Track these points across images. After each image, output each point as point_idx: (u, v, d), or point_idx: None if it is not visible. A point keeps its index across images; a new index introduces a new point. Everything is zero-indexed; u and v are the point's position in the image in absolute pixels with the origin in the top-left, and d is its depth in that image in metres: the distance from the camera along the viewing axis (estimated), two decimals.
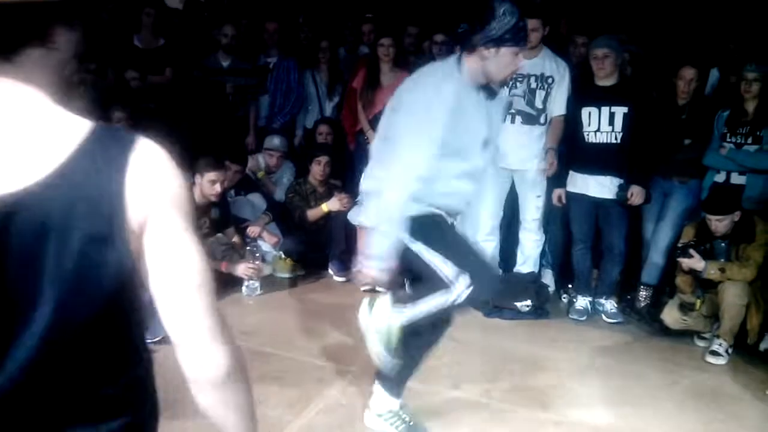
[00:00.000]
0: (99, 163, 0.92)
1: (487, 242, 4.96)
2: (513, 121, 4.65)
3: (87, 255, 0.91)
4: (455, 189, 2.75)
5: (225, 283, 4.62)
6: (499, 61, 2.63)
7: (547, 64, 4.61)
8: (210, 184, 4.64)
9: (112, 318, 0.97)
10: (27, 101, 0.93)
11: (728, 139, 4.38)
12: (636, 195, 4.42)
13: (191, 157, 5.03)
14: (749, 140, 4.32)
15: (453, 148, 2.63)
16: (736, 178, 4.35)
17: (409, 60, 5.74)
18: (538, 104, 4.62)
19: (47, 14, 0.93)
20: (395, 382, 2.96)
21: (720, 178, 4.41)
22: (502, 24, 2.56)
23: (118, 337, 1.00)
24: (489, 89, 2.76)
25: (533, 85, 4.60)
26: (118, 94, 5.39)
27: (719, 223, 4.04)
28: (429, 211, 2.71)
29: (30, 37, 0.92)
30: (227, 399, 1.08)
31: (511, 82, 4.61)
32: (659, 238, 4.60)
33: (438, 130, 2.56)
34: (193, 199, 4.73)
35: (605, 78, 4.47)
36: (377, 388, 3.02)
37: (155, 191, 0.96)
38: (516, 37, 2.60)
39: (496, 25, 2.56)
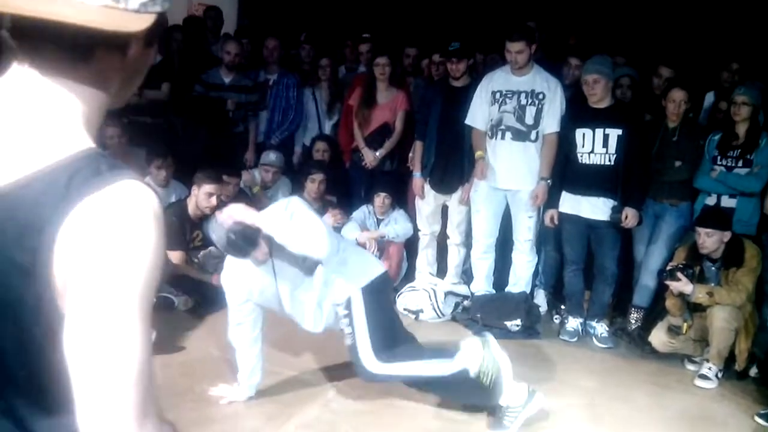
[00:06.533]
0: (54, 190, 0.82)
1: (481, 260, 4.98)
2: (503, 137, 4.67)
3: (5, 278, 0.84)
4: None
5: (215, 296, 4.64)
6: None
7: (537, 80, 4.62)
8: (206, 196, 4.70)
9: (37, 355, 0.87)
10: (48, 105, 0.88)
11: (719, 162, 4.38)
12: (630, 217, 4.41)
13: (189, 169, 5.10)
14: (740, 163, 4.33)
15: None
16: (727, 201, 4.35)
17: (406, 80, 5.80)
18: (529, 120, 4.63)
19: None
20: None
21: (711, 201, 4.41)
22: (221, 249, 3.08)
23: (48, 379, 0.88)
24: None
25: (523, 102, 4.62)
26: (115, 107, 5.45)
27: (708, 238, 4.02)
28: None
29: (112, 43, 0.88)
30: None
31: (500, 99, 4.64)
32: (650, 260, 4.58)
33: None
34: (186, 216, 4.77)
35: (598, 101, 4.49)
36: None
37: (92, 245, 0.81)
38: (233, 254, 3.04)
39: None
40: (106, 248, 0.80)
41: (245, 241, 2.88)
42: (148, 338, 0.84)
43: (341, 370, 3.73)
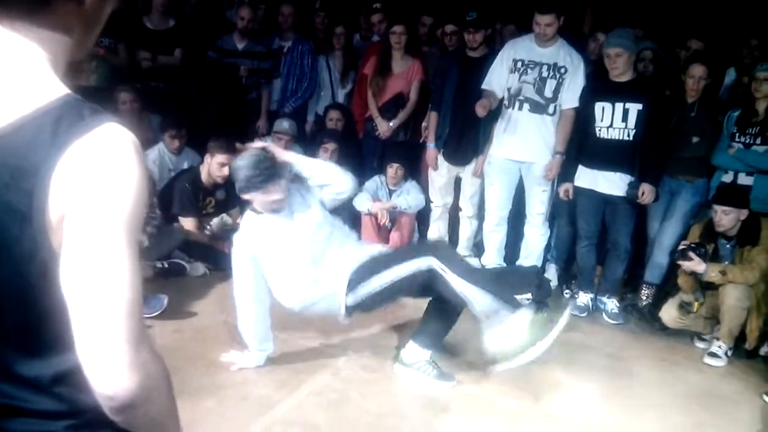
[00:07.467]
0: (43, 135, 0.86)
1: (493, 233, 4.96)
2: (521, 108, 4.62)
3: (2, 222, 0.87)
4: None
5: (227, 263, 4.65)
6: (260, 199, 3.24)
7: (561, 54, 4.56)
8: (219, 166, 4.69)
9: (29, 296, 0.91)
10: (15, 53, 0.91)
11: (737, 139, 4.32)
12: (647, 193, 4.36)
13: (202, 136, 5.09)
14: (758, 140, 4.27)
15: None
16: (744, 179, 4.30)
17: (422, 49, 5.73)
18: (548, 93, 4.57)
19: None
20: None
21: (728, 178, 4.36)
22: (242, 178, 3.20)
23: (38, 320, 0.92)
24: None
25: (545, 74, 4.56)
26: (129, 73, 5.43)
27: (725, 216, 3.97)
28: None
29: None
30: (135, 423, 0.93)
31: (522, 68, 4.58)
32: (664, 237, 4.55)
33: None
34: (199, 183, 4.77)
35: (620, 75, 4.43)
36: (410, 343, 3.43)
37: (84, 184, 0.86)
38: (254, 185, 3.18)
39: (241, 180, 3.21)
40: (98, 185, 0.86)
41: (271, 169, 3.17)
42: (138, 267, 0.89)
43: (351, 340, 3.77)
